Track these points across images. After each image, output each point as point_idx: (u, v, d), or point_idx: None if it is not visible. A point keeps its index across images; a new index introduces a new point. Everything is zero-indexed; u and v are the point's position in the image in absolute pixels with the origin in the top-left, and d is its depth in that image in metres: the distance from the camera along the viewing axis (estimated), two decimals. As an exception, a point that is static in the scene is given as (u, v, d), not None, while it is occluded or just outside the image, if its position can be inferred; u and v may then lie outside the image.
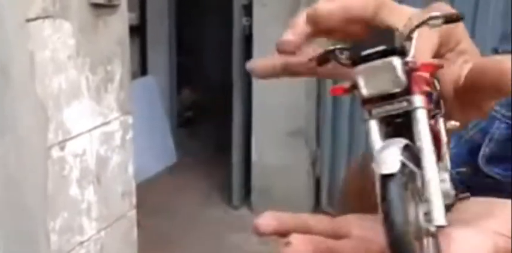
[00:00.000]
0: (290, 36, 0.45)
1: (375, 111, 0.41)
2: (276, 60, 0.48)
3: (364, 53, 0.40)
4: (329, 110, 3.36)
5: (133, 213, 2.00)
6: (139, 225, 2.06)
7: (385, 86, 0.40)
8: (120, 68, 1.90)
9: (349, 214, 0.46)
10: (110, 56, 1.85)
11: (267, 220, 0.42)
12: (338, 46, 0.43)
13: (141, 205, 3.23)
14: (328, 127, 3.41)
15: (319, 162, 3.45)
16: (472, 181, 0.64)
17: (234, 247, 3.08)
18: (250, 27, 3.37)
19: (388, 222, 0.36)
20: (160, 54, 3.99)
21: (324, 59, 0.43)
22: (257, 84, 3.37)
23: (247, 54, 3.29)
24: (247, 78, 3.43)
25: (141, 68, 3.98)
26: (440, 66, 0.40)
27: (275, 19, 3.11)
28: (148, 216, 3.25)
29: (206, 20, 4.51)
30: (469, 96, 0.43)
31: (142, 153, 3.67)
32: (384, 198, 0.37)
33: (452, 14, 0.41)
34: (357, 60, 0.41)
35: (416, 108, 0.40)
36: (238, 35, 3.42)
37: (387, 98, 0.40)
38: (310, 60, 0.43)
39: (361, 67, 0.41)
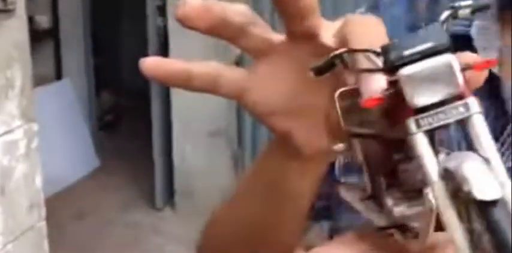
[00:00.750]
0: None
1: (424, 122, 0.34)
2: (178, 65, 0.43)
3: (407, 52, 0.34)
4: (249, 108, 3.35)
5: (42, 224, 1.93)
6: (51, 235, 1.99)
7: (441, 91, 0.34)
8: (20, 74, 1.83)
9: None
10: (8, 62, 1.78)
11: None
12: (344, 49, 0.36)
13: (60, 213, 3.16)
14: (248, 126, 3.39)
15: (241, 162, 3.44)
16: (330, 194, 0.63)
17: (154, 250, 3.03)
18: (165, 27, 3.32)
19: (500, 243, 0.33)
20: (75, 57, 3.90)
21: (329, 65, 0.37)
22: (175, 84, 3.32)
23: (164, 54, 3.25)
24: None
25: (57, 72, 3.89)
26: (495, 63, 0.35)
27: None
28: (69, 223, 3.18)
29: (122, 20, 4.43)
30: None
31: (63, 159, 3.58)
32: (488, 220, 0.33)
33: (481, 3, 0.37)
34: (394, 62, 0.34)
35: (473, 113, 0.34)
36: (153, 36, 3.37)
37: (436, 104, 0.34)
38: (311, 69, 0.37)
39: (408, 71, 0.34)
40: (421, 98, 0.34)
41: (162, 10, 3.34)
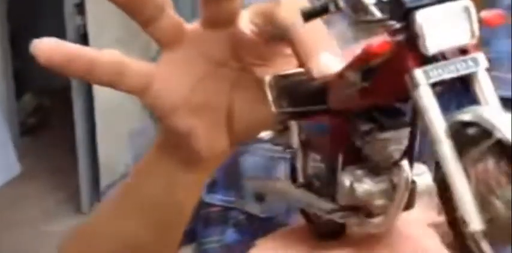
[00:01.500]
0: None
1: (433, 73, 0.31)
2: (78, 50, 0.39)
3: None
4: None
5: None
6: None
7: (457, 38, 0.31)
8: None
9: None
10: None
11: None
12: None
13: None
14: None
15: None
16: (195, 216, 0.59)
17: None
18: (84, 26, 3.25)
19: None
20: (-7, 60, 3.78)
21: (322, 9, 0.33)
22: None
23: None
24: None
25: (-26, 76, 3.76)
26: (504, 18, 0.33)
27: (110, 16, 3.01)
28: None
29: (40, 20, 4.32)
30: None
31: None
32: None
33: None
34: (408, 3, 0.31)
35: (481, 68, 0.32)
36: (72, 35, 3.29)
37: (443, 56, 0.32)
38: (301, 13, 0.34)
39: (425, 14, 0.31)
40: (434, 45, 0.31)
41: (80, 8, 3.26)
